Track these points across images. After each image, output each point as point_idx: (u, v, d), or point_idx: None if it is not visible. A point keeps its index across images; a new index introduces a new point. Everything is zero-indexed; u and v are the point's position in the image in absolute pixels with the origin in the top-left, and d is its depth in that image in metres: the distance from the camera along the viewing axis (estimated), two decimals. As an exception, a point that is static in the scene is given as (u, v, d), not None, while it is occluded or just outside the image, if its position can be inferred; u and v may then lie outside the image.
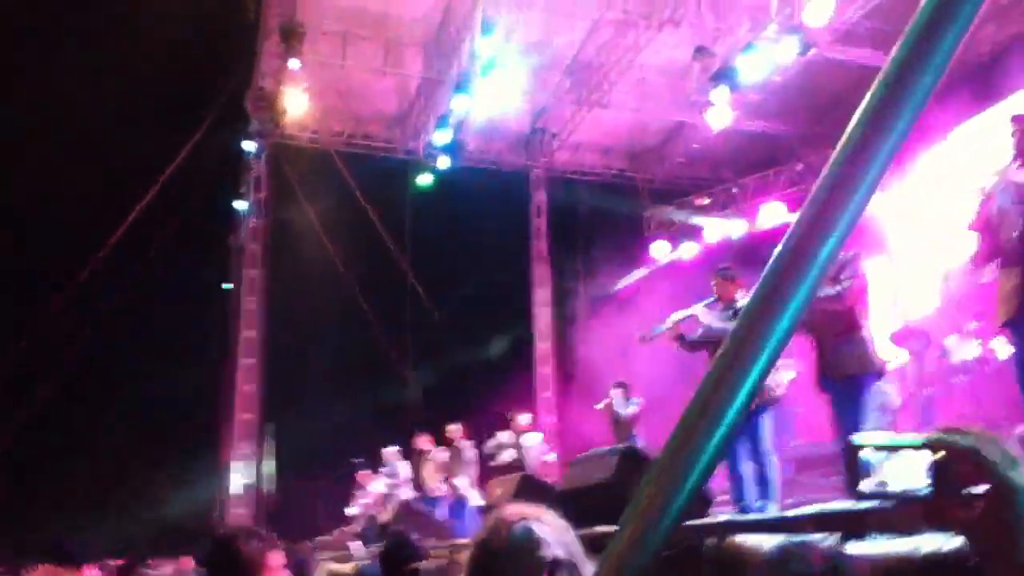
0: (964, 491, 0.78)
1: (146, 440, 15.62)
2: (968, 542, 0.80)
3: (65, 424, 14.18)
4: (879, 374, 5.06)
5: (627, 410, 9.94)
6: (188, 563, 8.02)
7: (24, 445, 13.48)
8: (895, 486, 0.80)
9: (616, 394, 10.17)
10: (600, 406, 10.43)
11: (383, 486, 11.97)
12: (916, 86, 0.69)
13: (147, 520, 13.72)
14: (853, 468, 0.82)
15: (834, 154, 0.72)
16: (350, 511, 12.53)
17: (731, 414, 0.70)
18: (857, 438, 0.83)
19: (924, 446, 0.80)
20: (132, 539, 11.06)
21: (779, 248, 0.72)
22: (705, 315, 5.90)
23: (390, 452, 12.02)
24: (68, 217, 13.92)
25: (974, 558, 0.80)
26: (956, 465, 0.79)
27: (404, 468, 11.71)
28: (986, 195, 4.50)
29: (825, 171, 0.72)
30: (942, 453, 0.80)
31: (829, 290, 4.95)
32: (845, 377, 4.96)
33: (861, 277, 5.02)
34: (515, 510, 1.45)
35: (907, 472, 0.80)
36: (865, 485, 0.81)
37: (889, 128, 0.70)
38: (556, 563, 1.36)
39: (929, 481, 0.79)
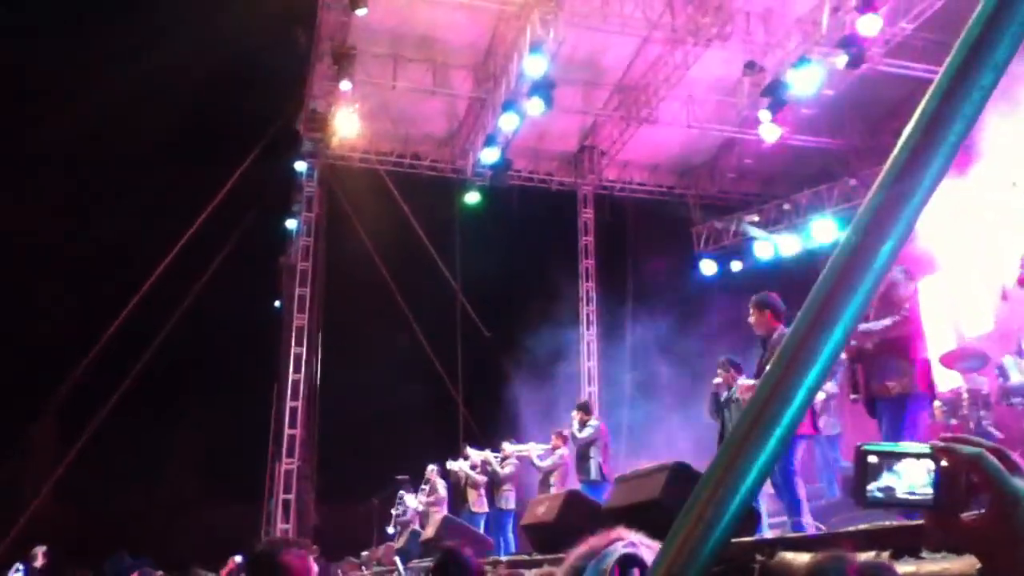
0: (968, 500, 0.79)
1: (201, 457, 15.90)
2: (973, 553, 0.79)
3: (121, 445, 14.46)
4: (928, 398, 5.02)
5: (582, 433, 9.68)
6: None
7: (84, 466, 13.79)
8: (901, 492, 0.81)
9: (575, 416, 9.96)
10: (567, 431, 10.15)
11: (419, 503, 12.04)
12: (976, 83, 0.67)
13: (200, 536, 13.94)
14: (860, 474, 0.82)
15: (890, 160, 0.70)
16: (390, 528, 12.67)
17: (783, 427, 0.68)
18: (864, 445, 0.84)
19: (928, 455, 0.81)
20: (184, 555, 11.23)
21: (833, 256, 0.70)
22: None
23: (432, 471, 12.09)
24: (122, 240, 14.28)
25: (981, 570, 0.79)
26: (960, 474, 0.79)
27: (442, 487, 11.76)
28: None
29: (880, 178, 0.70)
30: (944, 462, 0.80)
31: (886, 321, 5.00)
32: (889, 398, 4.97)
33: (913, 308, 5.09)
34: (614, 534, 1.43)
35: (914, 481, 0.81)
36: (870, 489, 0.82)
37: (948, 129, 0.68)
38: (629, 558, 1.32)
39: (933, 490, 0.80)
